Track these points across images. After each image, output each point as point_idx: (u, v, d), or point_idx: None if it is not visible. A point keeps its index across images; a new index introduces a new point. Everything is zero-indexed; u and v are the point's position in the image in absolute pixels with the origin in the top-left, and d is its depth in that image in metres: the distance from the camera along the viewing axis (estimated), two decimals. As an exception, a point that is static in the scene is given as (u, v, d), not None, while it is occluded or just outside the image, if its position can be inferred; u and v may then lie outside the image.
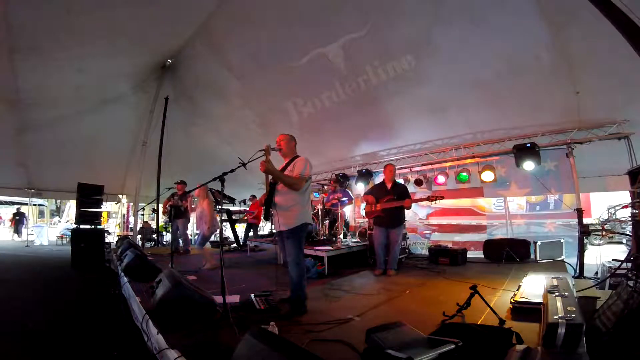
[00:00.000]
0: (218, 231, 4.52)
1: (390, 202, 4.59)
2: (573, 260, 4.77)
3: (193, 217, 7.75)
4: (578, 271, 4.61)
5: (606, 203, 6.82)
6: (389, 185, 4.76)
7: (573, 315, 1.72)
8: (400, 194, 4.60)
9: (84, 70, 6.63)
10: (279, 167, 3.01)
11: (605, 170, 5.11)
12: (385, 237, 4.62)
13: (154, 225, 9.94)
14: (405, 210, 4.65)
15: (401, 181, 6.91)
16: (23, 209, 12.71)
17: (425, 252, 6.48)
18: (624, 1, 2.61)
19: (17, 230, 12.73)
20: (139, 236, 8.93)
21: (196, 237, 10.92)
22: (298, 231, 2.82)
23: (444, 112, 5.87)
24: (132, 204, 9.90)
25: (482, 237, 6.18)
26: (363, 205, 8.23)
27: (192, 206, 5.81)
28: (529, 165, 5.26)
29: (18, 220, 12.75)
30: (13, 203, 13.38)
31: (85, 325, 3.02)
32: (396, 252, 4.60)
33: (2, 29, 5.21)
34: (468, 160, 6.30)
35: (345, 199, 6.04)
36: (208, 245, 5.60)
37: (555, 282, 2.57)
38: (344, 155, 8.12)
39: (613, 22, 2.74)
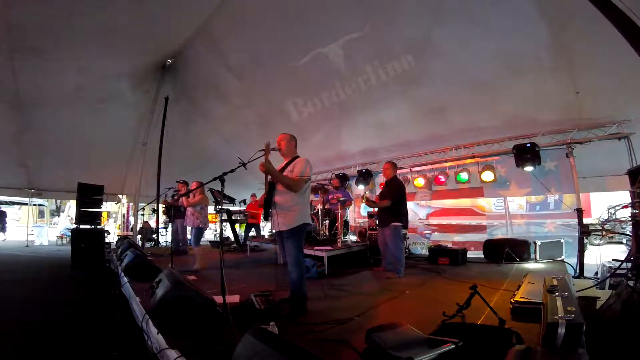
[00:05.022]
0: (218, 230, 4.55)
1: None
2: (573, 260, 4.77)
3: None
4: (578, 271, 4.61)
5: (606, 203, 6.81)
6: (382, 185, 4.78)
7: (573, 315, 1.72)
8: (383, 195, 4.62)
9: (84, 70, 6.63)
10: (279, 166, 3.00)
11: (605, 170, 5.10)
12: (381, 235, 4.64)
13: (154, 225, 9.95)
14: (392, 209, 4.45)
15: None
16: (23, 208, 12.67)
17: (425, 252, 6.48)
18: (624, 1, 2.61)
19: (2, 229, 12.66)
20: (139, 236, 8.93)
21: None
22: (297, 231, 2.82)
23: (444, 112, 5.87)
24: (132, 204, 9.90)
25: (482, 237, 6.17)
26: (363, 205, 8.26)
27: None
28: (528, 165, 5.26)
29: None
30: (13, 203, 13.35)
31: (86, 325, 3.03)
32: (394, 254, 4.40)
33: (2, 29, 5.21)
34: (468, 160, 6.30)
35: (345, 199, 6.03)
36: (203, 244, 5.62)
37: (555, 282, 2.57)
38: (344, 155, 8.11)
39: (613, 22, 2.74)
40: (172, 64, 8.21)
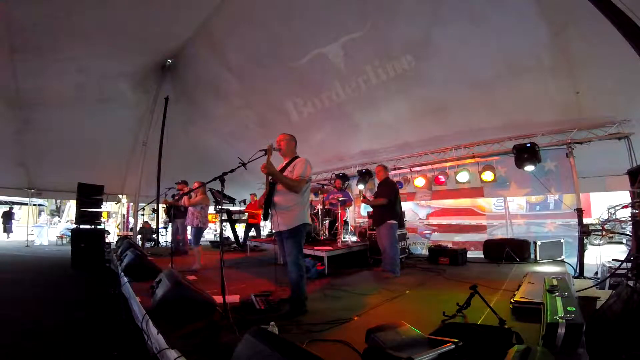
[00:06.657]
0: (218, 231, 4.55)
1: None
2: (573, 260, 4.77)
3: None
4: (578, 271, 4.61)
5: (606, 203, 6.82)
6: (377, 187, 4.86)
7: (573, 316, 1.72)
8: (378, 195, 4.65)
9: (84, 70, 6.63)
10: (279, 166, 3.00)
11: (605, 170, 5.10)
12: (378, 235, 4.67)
13: (154, 225, 9.95)
14: (387, 208, 4.48)
15: (399, 180, 6.96)
16: (24, 208, 12.73)
17: (425, 252, 6.48)
18: (624, 1, 2.61)
19: (6, 229, 12.71)
20: (139, 236, 8.93)
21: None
22: (297, 231, 2.82)
23: (444, 112, 5.86)
24: (132, 204, 9.91)
25: (482, 237, 6.18)
26: (363, 205, 8.26)
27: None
28: (528, 165, 5.25)
29: (5, 219, 12.71)
30: (13, 203, 13.37)
31: (86, 325, 3.03)
32: (388, 253, 4.40)
33: (2, 29, 5.21)
34: (468, 160, 6.29)
35: (345, 199, 6.03)
36: (202, 244, 5.63)
37: (555, 282, 2.58)
38: (344, 155, 8.11)
39: (613, 22, 2.74)
40: (172, 64, 8.21)
